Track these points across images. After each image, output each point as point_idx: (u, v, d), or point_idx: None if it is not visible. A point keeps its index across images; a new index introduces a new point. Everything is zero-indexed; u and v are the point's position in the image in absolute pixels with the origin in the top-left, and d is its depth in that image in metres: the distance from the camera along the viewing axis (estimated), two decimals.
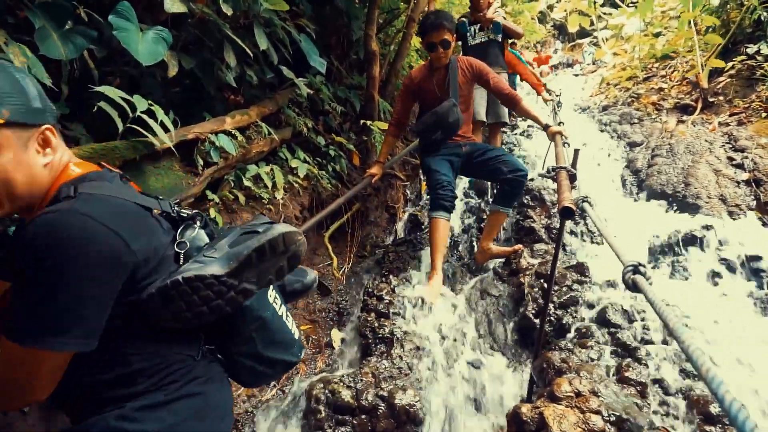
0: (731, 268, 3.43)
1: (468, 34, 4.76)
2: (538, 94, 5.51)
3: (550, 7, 14.82)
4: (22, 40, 2.00)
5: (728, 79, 6.09)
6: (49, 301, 0.88)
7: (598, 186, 5.08)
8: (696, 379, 2.31)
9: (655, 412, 2.13)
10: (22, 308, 0.89)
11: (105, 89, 2.14)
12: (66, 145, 1.07)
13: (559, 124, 4.03)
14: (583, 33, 14.22)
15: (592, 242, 3.97)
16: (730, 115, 5.61)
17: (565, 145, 2.98)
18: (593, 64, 12.07)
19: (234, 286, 1.05)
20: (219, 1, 2.73)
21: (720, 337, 2.65)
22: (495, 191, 3.32)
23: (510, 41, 5.20)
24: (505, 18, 4.78)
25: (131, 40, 2.28)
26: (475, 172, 3.72)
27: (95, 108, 2.19)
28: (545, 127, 3.27)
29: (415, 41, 7.26)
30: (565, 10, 13.08)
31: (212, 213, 2.85)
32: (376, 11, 4.52)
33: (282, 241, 1.11)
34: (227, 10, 2.76)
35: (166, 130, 2.39)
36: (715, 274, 3.42)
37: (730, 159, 4.77)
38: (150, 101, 2.35)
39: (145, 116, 2.27)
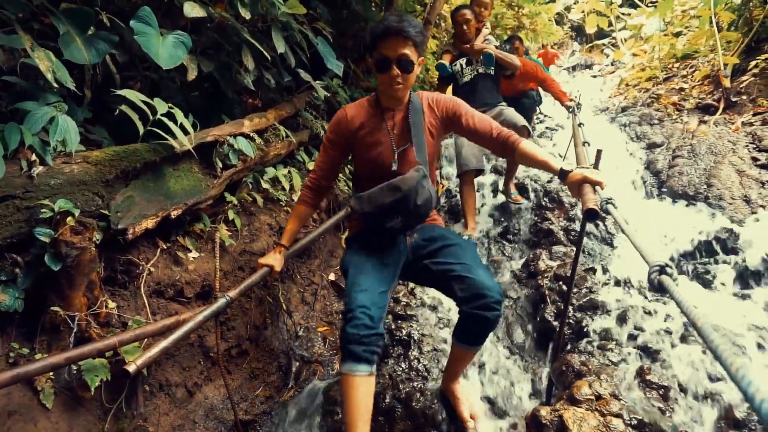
0: (757, 273, 3.34)
1: (455, 73, 4.07)
2: (562, 103, 5.30)
3: (568, 9, 14.70)
4: (47, 46, 2.06)
5: (752, 78, 5.95)
6: None
7: (617, 188, 5.00)
8: (721, 382, 2.26)
9: (678, 416, 2.09)
10: None
11: (126, 93, 2.19)
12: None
13: (579, 125, 3.94)
14: (601, 34, 14.07)
15: (610, 245, 3.91)
16: (754, 115, 5.48)
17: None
18: (611, 65, 11.93)
19: None
20: (237, 6, 2.77)
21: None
22: (457, 320, 2.03)
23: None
24: (498, 47, 4.03)
25: (152, 45, 2.32)
26: (421, 279, 2.33)
27: (117, 111, 2.23)
28: (562, 175, 1.96)
29: (432, 44, 7.27)
30: (583, 11, 12.94)
31: (231, 215, 2.88)
32: None
33: None
34: (245, 14, 2.80)
35: (185, 132, 2.42)
36: (740, 279, 3.34)
37: (755, 159, 4.66)
38: (170, 104, 2.39)
39: (165, 119, 2.31)
